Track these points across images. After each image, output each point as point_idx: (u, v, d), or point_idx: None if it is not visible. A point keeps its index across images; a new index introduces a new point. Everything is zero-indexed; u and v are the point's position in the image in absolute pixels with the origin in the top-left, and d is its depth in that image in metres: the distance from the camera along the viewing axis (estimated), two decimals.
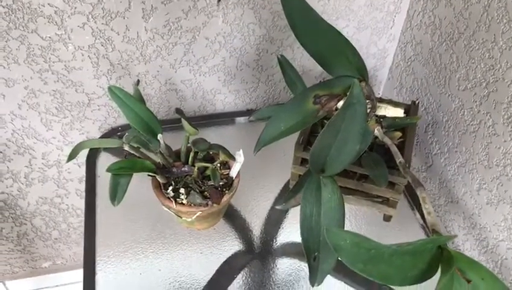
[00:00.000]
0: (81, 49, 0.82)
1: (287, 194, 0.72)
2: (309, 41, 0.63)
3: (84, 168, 0.90)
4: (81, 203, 1.08)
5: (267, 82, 0.99)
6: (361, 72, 0.66)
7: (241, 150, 0.73)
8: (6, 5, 0.73)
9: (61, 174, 1.00)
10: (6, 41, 0.77)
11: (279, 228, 0.81)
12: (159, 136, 0.72)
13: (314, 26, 0.63)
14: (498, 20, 0.69)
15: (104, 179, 0.86)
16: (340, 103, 0.63)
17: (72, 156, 0.67)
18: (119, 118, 0.94)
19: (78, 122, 0.92)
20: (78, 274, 1.03)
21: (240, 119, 1.00)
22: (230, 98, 0.99)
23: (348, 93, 0.64)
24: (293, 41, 0.93)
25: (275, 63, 0.95)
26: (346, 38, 0.63)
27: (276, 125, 0.65)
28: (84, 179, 1.02)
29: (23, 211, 1.04)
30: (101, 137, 0.94)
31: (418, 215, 0.83)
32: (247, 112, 1.01)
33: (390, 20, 0.94)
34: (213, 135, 0.95)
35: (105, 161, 0.89)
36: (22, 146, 0.92)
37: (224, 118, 1.00)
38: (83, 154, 0.98)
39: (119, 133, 0.94)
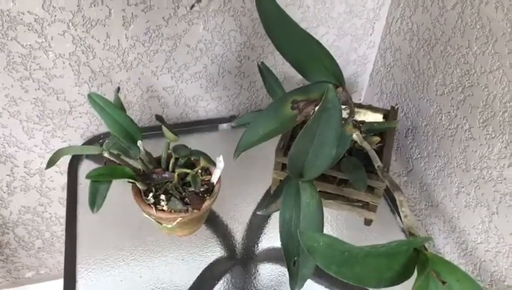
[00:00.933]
0: (62, 56, 0.82)
1: (268, 200, 0.73)
2: (286, 48, 0.64)
3: (65, 176, 0.89)
4: (64, 212, 1.07)
5: (249, 88, 0.99)
6: (338, 78, 0.66)
7: (221, 156, 0.73)
8: None
9: (43, 182, 1.00)
10: None
11: (261, 233, 0.82)
12: (139, 142, 0.72)
13: (290, 34, 0.63)
14: (472, 26, 0.70)
15: (85, 187, 0.85)
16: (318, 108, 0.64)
17: (51, 162, 0.67)
18: (101, 126, 0.94)
19: (60, 130, 0.92)
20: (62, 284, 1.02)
21: (223, 126, 1.01)
22: (212, 104, 1.00)
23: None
24: (273, 48, 0.93)
25: (256, 70, 0.96)
26: (323, 45, 0.64)
27: (255, 131, 0.66)
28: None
29: (5, 220, 1.04)
30: (83, 144, 0.94)
31: (398, 219, 0.84)
32: (230, 119, 1.02)
33: (369, 27, 0.96)
34: (196, 142, 0.95)
35: (87, 168, 0.88)
36: (4, 154, 0.92)
37: (207, 125, 1.01)
38: (65, 162, 0.98)
39: (101, 141, 0.94)
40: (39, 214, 1.06)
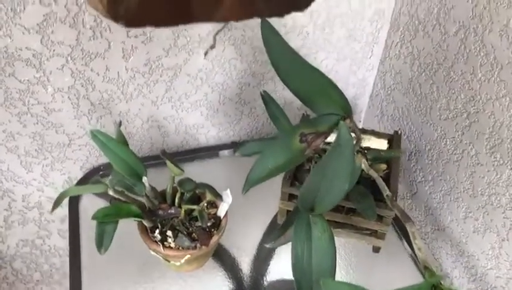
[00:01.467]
0: (60, 90, 0.80)
1: (276, 232, 0.71)
2: (293, 82, 0.64)
3: (66, 208, 0.87)
4: (63, 243, 1.05)
5: (249, 115, 0.99)
6: (345, 110, 0.66)
7: (228, 190, 0.72)
8: None
9: (42, 215, 0.97)
10: None
11: (268, 265, 0.80)
12: (144, 179, 0.71)
13: (297, 68, 0.63)
14: (476, 53, 0.70)
15: (87, 221, 0.84)
16: (328, 139, 0.64)
17: (57, 204, 0.65)
18: (101, 157, 0.93)
19: (59, 163, 0.90)
20: None
21: (224, 152, 1.00)
22: (213, 131, 0.99)
23: (333, 131, 0.64)
24: (274, 74, 0.93)
25: (257, 96, 0.95)
26: (329, 78, 0.63)
27: (264, 165, 0.65)
28: (66, 219, 1.00)
29: (3, 254, 1.01)
30: (83, 177, 0.92)
31: (406, 245, 0.83)
32: (231, 145, 1.01)
33: (368, 50, 0.96)
34: (197, 170, 0.94)
35: (88, 202, 0.87)
36: (1, 189, 0.90)
37: (208, 152, 1.00)
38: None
39: (101, 172, 0.92)
40: (38, 246, 1.03)
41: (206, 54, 0.79)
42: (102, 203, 0.86)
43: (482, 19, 0.68)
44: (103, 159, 0.93)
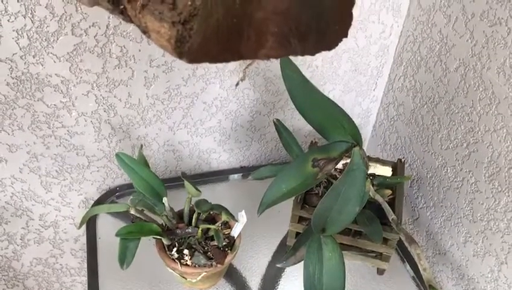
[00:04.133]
0: (84, 115, 0.85)
1: (287, 252, 0.76)
2: (308, 111, 0.69)
3: (81, 227, 0.91)
4: (75, 263, 1.08)
5: (259, 141, 1.04)
6: (355, 138, 0.71)
7: (243, 211, 0.76)
8: (16, 76, 0.77)
9: (57, 234, 1.01)
10: (12, 110, 0.80)
11: (278, 284, 0.84)
12: (164, 199, 0.75)
13: (312, 99, 0.68)
14: (475, 88, 0.76)
15: (104, 241, 0.87)
16: (339, 166, 0.69)
17: (82, 222, 0.69)
18: (117, 179, 0.97)
19: (77, 184, 0.94)
20: None
21: (234, 176, 1.04)
22: (224, 156, 1.03)
23: (345, 157, 0.69)
24: (283, 104, 0.98)
25: (267, 123, 1.00)
26: (342, 108, 0.69)
27: (278, 187, 0.70)
28: (80, 238, 1.04)
29: (16, 272, 1.04)
30: (100, 198, 0.96)
31: (408, 267, 0.87)
32: (241, 169, 1.06)
33: (373, 83, 1.02)
34: (209, 193, 0.98)
35: (104, 221, 0.90)
36: (20, 208, 0.93)
37: (219, 176, 1.04)
38: (81, 214, 1.00)
39: (117, 193, 0.96)
40: (50, 265, 1.06)
41: (237, 84, 0.84)
42: (117, 222, 0.90)
43: (481, 57, 0.74)
44: (119, 181, 0.97)
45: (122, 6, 0.36)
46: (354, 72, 0.98)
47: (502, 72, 0.70)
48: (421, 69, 0.89)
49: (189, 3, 0.31)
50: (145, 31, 0.35)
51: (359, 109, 1.06)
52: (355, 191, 0.63)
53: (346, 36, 0.40)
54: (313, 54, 0.39)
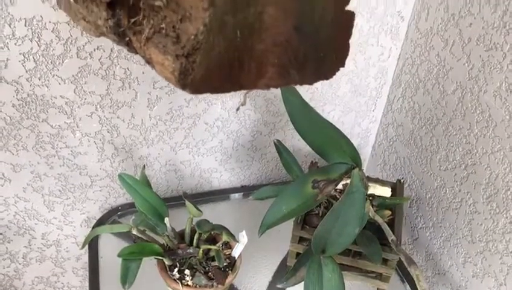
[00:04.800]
0: (87, 135, 0.87)
1: (287, 273, 0.76)
2: (308, 134, 0.70)
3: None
4: (76, 281, 1.08)
5: (260, 160, 1.05)
6: (355, 160, 0.72)
7: (244, 231, 0.77)
8: (21, 98, 0.78)
9: (59, 253, 1.02)
10: (17, 130, 0.81)
11: None
12: (166, 219, 0.76)
13: (312, 121, 0.69)
14: (472, 111, 0.77)
15: (106, 260, 0.88)
16: (339, 186, 0.69)
17: (86, 242, 0.70)
18: (119, 198, 0.98)
19: (79, 203, 0.95)
20: None
21: (235, 195, 1.05)
22: (225, 175, 1.04)
23: (344, 178, 0.70)
24: (284, 124, 1.00)
25: (267, 143, 1.02)
26: (341, 131, 0.70)
27: (278, 208, 0.71)
28: (82, 257, 1.05)
29: None
30: (102, 217, 0.97)
31: (408, 288, 0.88)
32: (242, 188, 1.07)
33: (372, 104, 1.03)
34: (210, 212, 0.99)
35: (106, 241, 0.91)
36: (23, 227, 0.94)
37: (219, 195, 1.05)
38: (83, 233, 1.01)
39: (119, 213, 0.97)
40: (52, 284, 1.07)
41: (238, 109, 0.86)
42: (119, 241, 0.90)
43: (477, 80, 0.75)
44: (121, 200, 0.98)
45: (127, 38, 0.37)
46: (353, 94, 1.00)
47: (498, 95, 0.72)
48: (420, 91, 0.90)
49: (193, 37, 0.33)
50: (149, 62, 0.37)
51: (359, 129, 1.07)
52: (354, 213, 0.64)
53: (343, 66, 0.41)
54: (311, 83, 0.40)
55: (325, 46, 0.40)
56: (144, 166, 0.81)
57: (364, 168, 1.15)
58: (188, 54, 0.33)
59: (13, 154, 0.84)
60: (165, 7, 0.34)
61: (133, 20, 0.36)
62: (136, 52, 0.38)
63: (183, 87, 0.34)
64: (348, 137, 1.07)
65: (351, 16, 0.41)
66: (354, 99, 1.01)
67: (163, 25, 0.35)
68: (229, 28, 0.34)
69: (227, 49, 0.35)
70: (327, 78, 0.42)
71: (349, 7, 0.41)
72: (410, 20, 0.90)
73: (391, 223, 0.83)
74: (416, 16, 0.88)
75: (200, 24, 0.33)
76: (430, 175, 0.90)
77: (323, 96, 0.98)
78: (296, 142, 1.04)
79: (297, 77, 0.40)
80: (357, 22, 0.88)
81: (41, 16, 0.72)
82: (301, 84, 0.40)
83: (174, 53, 0.34)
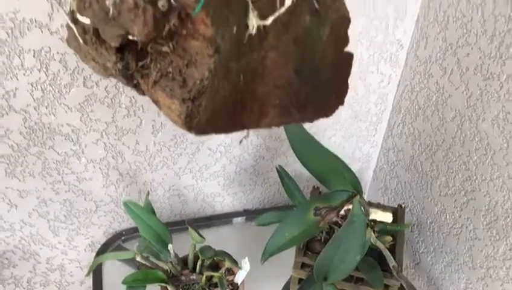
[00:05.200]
0: (93, 162, 0.88)
1: None
2: (309, 162, 0.72)
3: (85, 270, 0.93)
4: None
5: (263, 185, 1.06)
6: (356, 187, 0.73)
7: (246, 258, 0.78)
8: (29, 126, 0.80)
9: (63, 277, 1.02)
10: (24, 157, 0.83)
11: None
12: (170, 246, 0.77)
13: (312, 150, 0.71)
14: (471, 138, 0.79)
15: (110, 285, 0.89)
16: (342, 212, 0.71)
17: (90, 269, 0.71)
18: (124, 223, 0.99)
19: (84, 228, 0.96)
20: None
21: (237, 220, 1.06)
22: (228, 200, 1.05)
23: (346, 206, 0.71)
24: (286, 149, 1.01)
25: (270, 168, 1.03)
26: (341, 160, 0.71)
27: (281, 235, 0.72)
28: (86, 281, 1.05)
29: None
30: (106, 242, 0.98)
31: None
32: (244, 212, 1.08)
33: (373, 129, 1.05)
34: (213, 237, 0.99)
35: (111, 266, 0.92)
36: (28, 252, 0.95)
37: (222, 219, 1.06)
38: (87, 258, 1.01)
39: (123, 237, 0.98)
40: None
41: (241, 142, 0.87)
42: (122, 267, 0.91)
43: (475, 108, 0.77)
44: (126, 225, 0.99)
45: (135, 81, 0.39)
46: (354, 119, 1.01)
47: (496, 123, 0.73)
48: (419, 117, 0.92)
49: (198, 82, 0.34)
50: (156, 103, 0.38)
51: (360, 153, 1.09)
52: (356, 240, 0.65)
53: (342, 104, 0.43)
54: (311, 121, 0.42)
55: (325, 86, 0.42)
56: (148, 192, 0.83)
57: (365, 191, 1.16)
58: (194, 97, 0.35)
59: (20, 180, 0.85)
60: (172, 52, 0.36)
61: (141, 63, 0.38)
62: (144, 94, 0.39)
63: (189, 129, 0.36)
64: (349, 161, 1.09)
65: (350, 56, 0.42)
66: (355, 124, 1.03)
67: (170, 69, 0.36)
68: (233, 73, 0.36)
69: (231, 92, 0.36)
70: (327, 116, 0.43)
71: (349, 38, 0.43)
72: (409, 48, 0.92)
73: (392, 249, 0.83)
74: (415, 44, 0.90)
75: (205, 70, 0.34)
76: (431, 200, 0.91)
77: (325, 122, 0.99)
78: (297, 167, 1.05)
79: (298, 115, 0.41)
80: (357, 50, 0.90)
81: (49, 47, 0.74)
82: (302, 122, 0.42)
83: (181, 97, 0.35)
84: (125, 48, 0.38)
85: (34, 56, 0.74)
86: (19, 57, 0.74)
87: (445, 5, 0.80)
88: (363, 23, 0.87)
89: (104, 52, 0.40)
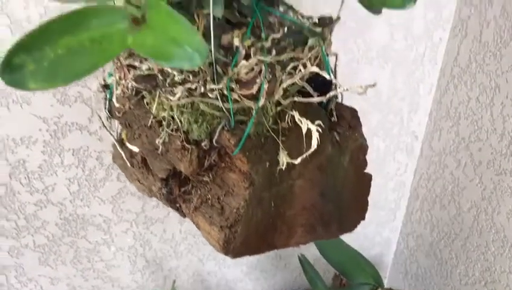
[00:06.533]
0: (122, 250, 0.92)
1: None
2: (330, 255, 0.75)
3: None
4: None
5: (284, 269, 1.08)
6: (376, 279, 0.76)
7: None
8: (64, 217, 0.85)
9: None
10: (58, 246, 0.87)
11: None
12: None
13: (336, 246, 0.74)
14: (488, 230, 0.81)
15: None
16: None
17: None
18: None
19: None
20: None
21: None
22: (250, 285, 1.07)
23: None
24: None
25: (291, 253, 1.05)
26: (362, 254, 0.74)
27: None
28: None
29: None
30: None
31: None
32: None
33: (391, 215, 1.07)
34: None
35: None
36: None
37: None
38: None
39: None
40: None
41: None
42: None
43: (491, 201, 0.80)
44: None
45: (178, 205, 0.44)
46: (373, 208, 1.03)
47: (511, 217, 0.76)
48: (436, 205, 0.95)
49: (235, 210, 0.39)
50: (197, 226, 0.43)
51: (379, 238, 1.11)
52: None
53: (363, 219, 0.47)
54: (336, 237, 0.46)
55: (347, 205, 0.46)
56: (175, 281, 0.85)
57: (386, 275, 1.17)
58: (231, 225, 0.39)
59: (52, 268, 0.89)
60: (211, 182, 0.41)
61: (183, 189, 0.43)
62: (185, 216, 0.44)
63: (226, 253, 0.40)
64: (370, 246, 1.11)
65: (369, 177, 0.47)
66: (374, 212, 1.05)
67: (209, 196, 0.41)
68: (265, 201, 0.40)
69: (263, 217, 0.41)
70: (350, 231, 0.47)
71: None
72: (424, 139, 0.96)
73: None
74: (429, 136, 0.94)
75: (241, 200, 0.39)
76: (451, 288, 0.92)
77: None
78: (314, 251, 1.07)
79: (323, 232, 0.45)
80: (374, 142, 0.94)
81: (87, 146, 0.80)
82: (327, 238, 0.46)
83: (219, 224, 0.40)
84: (169, 175, 0.43)
85: (73, 154, 0.80)
86: (59, 156, 0.80)
87: (456, 102, 0.85)
88: (379, 118, 0.93)
89: (149, 177, 0.45)
